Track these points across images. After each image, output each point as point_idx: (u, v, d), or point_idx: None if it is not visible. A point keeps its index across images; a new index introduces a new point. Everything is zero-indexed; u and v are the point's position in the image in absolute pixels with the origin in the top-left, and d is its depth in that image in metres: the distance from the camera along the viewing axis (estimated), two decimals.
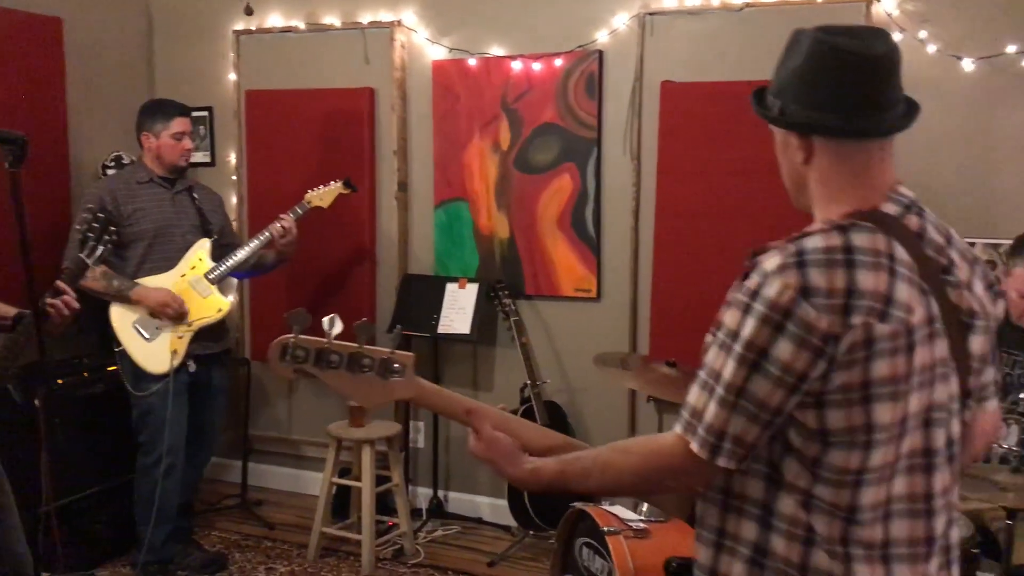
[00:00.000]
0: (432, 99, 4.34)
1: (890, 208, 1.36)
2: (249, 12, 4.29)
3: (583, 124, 4.09)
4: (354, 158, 4.49)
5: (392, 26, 4.37)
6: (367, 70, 4.46)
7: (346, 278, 4.55)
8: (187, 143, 3.79)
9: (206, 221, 3.84)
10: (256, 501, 4.62)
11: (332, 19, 4.51)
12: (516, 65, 4.16)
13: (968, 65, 3.48)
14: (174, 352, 3.61)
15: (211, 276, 3.74)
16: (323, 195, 4.01)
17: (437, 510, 4.41)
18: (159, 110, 3.79)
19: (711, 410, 1.31)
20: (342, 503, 4.32)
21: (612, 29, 4.02)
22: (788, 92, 1.37)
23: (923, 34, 3.54)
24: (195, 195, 3.87)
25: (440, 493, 4.45)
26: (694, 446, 1.32)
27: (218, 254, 3.81)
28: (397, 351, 1.61)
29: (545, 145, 4.17)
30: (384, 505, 4.23)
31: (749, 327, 1.28)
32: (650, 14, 3.94)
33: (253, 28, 4.65)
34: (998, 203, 3.52)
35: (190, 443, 3.78)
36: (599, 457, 1.45)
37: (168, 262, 3.71)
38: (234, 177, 4.76)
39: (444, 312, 4.23)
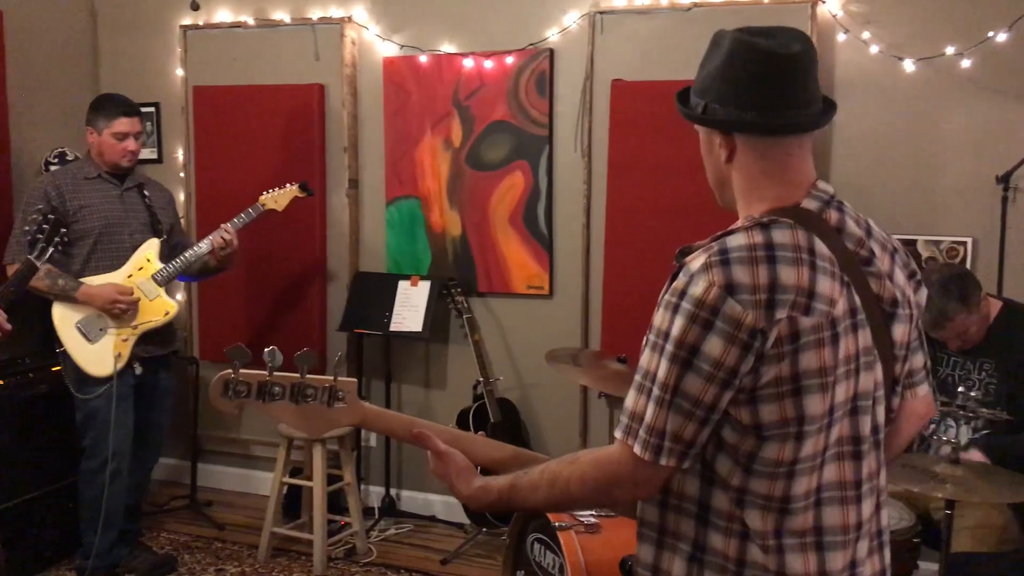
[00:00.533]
0: (383, 96, 4.32)
1: (810, 204, 1.39)
2: (195, 7, 4.23)
3: (535, 122, 4.10)
4: (304, 155, 4.45)
5: (342, 22, 4.34)
6: (317, 66, 4.42)
7: (297, 276, 4.51)
8: (130, 144, 3.63)
9: (156, 220, 3.72)
10: (206, 502, 4.56)
11: (281, 15, 4.46)
12: (468, 63, 4.16)
13: (909, 65, 3.56)
14: (118, 355, 3.52)
15: (158, 278, 3.62)
16: (277, 198, 3.90)
17: (390, 508, 4.40)
18: (103, 107, 3.66)
19: (649, 411, 1.32)
20: (293, 503, 4.28)
21: (563, 28, 4.03)
22: (710, 91, 1.38)
23: (866, 35, 3.61)
24: (146, 192, 3.75)
25: (393, 491, 4.44)
26: (637, 448, 1.33)
27: (167, 254, 3.71)
28: (339, 378, 1.63)
29: (497, 142, 4.17)
30: (336, 504, 4.20)
31: (678, 326, 1.30)
32: (600, 13, 3.97)
33: (201, 23, 4.59)
34: (939, 200, 3.60)
35: (137, 445, 3.70)
36: (546, 470, 1.45)
37: (115, 261, 3.61)
38: (182, 174, 4.69)
39: (396, 310, 4.22)
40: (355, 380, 1.64)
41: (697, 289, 1.29)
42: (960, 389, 2.65)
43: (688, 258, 1.35)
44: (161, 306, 3.63)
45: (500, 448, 1.66)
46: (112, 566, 3.65)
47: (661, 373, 1.31)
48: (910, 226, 3.59)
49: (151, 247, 3.66)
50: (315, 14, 4.40)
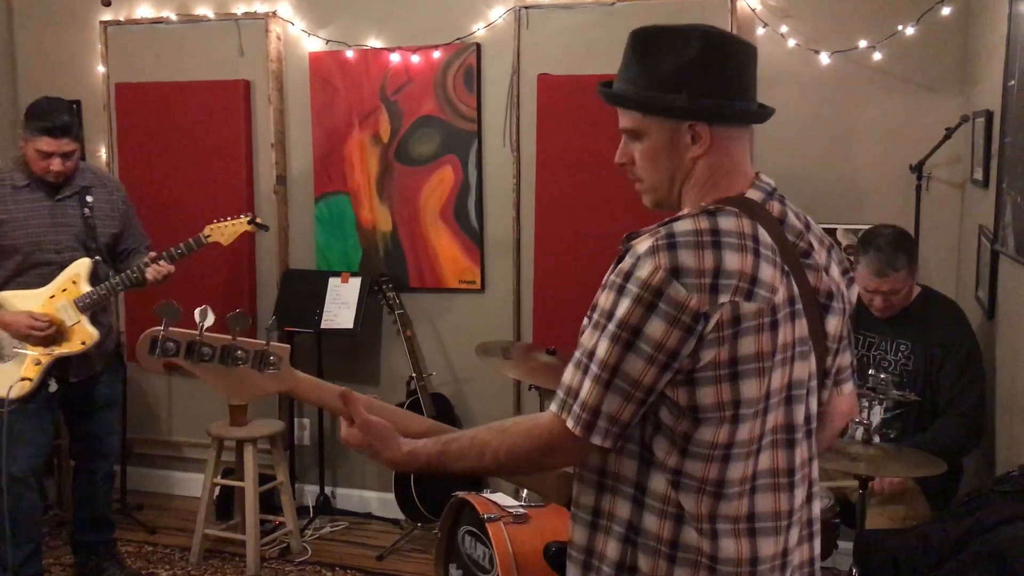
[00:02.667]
0: (310, 91, 4.29)
1: (754, 194, 1.43)
2: (106, 3, 4.13)
3: (463, 116, 4.11)
4: (230, 152, 4.39)
5: (267, 17, 4.29)
6: (242, 62, 4.37)
7: (225, 275, 4.45)
8: (53, 164, 3.31)
9: (91, 236, 3.42)
10: (136, 506, 4.48)
11: (205, 10, 4.40)
12: (394, 57, 4.15)
13: (825, 58, 3.65)
14: (25, 379, 3.30)
15: (80, 303, 3.36)
16: (224, 231, 3.53)
17: (325, 507, 4.38)
18: (31, 116, 3.34)
19: (586, 387, 1.33)
20: (226, 504, 4.24)
21: (489, 22, 4.05)
22: (688, 83, 1.37)
23: (784, 28, 3.69)
24: (88, 198, 3.41)
25: (327, 490, 4.42)
26: (569, 423, 1.35)
27: (111, 264, 3.50)
28: (272, 343, 1.56)
29: (426, 137, 4.17)
30: (271, 504, 4.16)
31: (623, 307, 1.31)
32: (525, 8, 3.99)
33: (122, 19, 4.50)
34: (856, 189, 3.70)
35: (83, 457, 3.60)
36: (476, 436, 1.45)
37: (43, 279, 3.37)
38: None
39: (327, 307, 4.19)
40: (287, 346, 1.57)
41: (643, 272, 1.30)
42: (871, 372, 2.73)
43: (635, 241, 1.36)
44: (79, 334, 3.38)
45: (420, 421, 1.63)
46: None
47: (601, 352, 1.32)
48: (829, 215, 3.68)
49: (80, 267, 3.39)
50: (239, 9, 4.35)
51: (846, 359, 1.54)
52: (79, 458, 3.68)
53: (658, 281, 1.29)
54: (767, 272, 1.33)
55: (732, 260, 1.31)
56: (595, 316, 1.36)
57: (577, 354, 1.37)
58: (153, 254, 3.46)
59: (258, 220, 3.65)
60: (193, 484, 4.48)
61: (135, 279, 3.42)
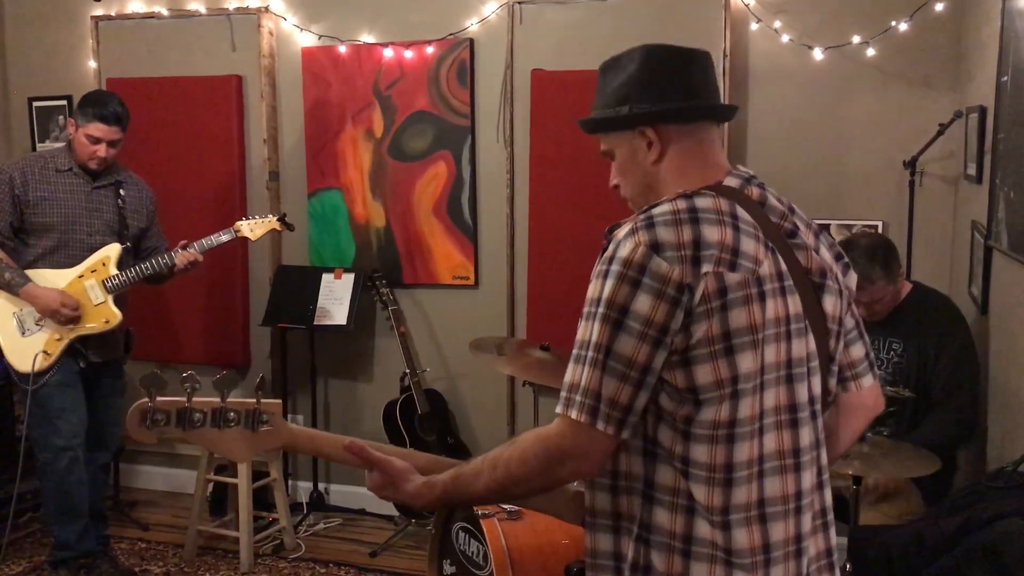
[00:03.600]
0: (302, 87, 4.28)
1: (731, 181, 1.46)
2: None
3: (456, 112, 4.10)
4: (223, 147, 4.38)
5: (259, 12, 4.27)
6: (234, 57, 4.35)
7: (218, 271, 4.43)
8: (100, 150, 3.48)
9: (123, 224, 3.59)
10: (130, 503, 4.48)
11: (196, 5, 4.38)
12: (387, 52, 4.13)
13: (819, 54, 3.64)
14: (44, 353, 3.42)
15: (108, 284, 3.49)
16: (254, 227, 3.71)
17: (318, 503, 4.37)
18: (85, 104, 3.51)
19: (584, 374, 1.34)
20: (220, 501, 4.23)
21: (483, 17, 4.03)
22: (631, 96, 1.47)
23: (778, 24, 3.69)
24: (121, 192, 3.60)
25: (321, 486, 4.41)
26: (573, 413, 1.34)
27: (135, 258, 3.61)
28: (263, 401, 1.58)
29: (419, 133, 4.16)
30: (264, 500, 4.16)
31: (608, 287, 1.33)
32: (519, 3, 3.98)
33: (113, 14, 4.48)
34: (849, 184, 3.70)
35: (89, 445, 3.61)
36: (487, 455, 1.44)
37: (72, 259, 3.49)
38: None
39: (320, 303, 4.18)
40: (279, 402, 1.60)
41: (624, 251, 1.33)
42: None
43: (616, 231, 1.39)
44: (103, 313, 3.50)
45: (417, 455, 1.61)
46: (84, 555, 3.56)
47: (594, 336, 1.33)
48: (823, 211, 3.68)
49: (111, 251, 3.54)
50: (231, 4, 4.33)
51: (859, 350, 1.54)
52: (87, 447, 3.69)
53: (640, 257, 1.31)
54: (748, 244, 1.35)
55: (711, 232, 1.33)
56: (585, 308, 1.37)
57: (574, 350, 1.37)
58: (184, 242, 3.59)
59: (286, 218, 3.83)
60: (186, 481, 4.47)
61: (162, 266, 3.56)
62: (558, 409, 1.37)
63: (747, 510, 1.36)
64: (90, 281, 3.49)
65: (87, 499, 3.59)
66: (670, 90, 1.47)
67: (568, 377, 1.37)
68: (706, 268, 1.31)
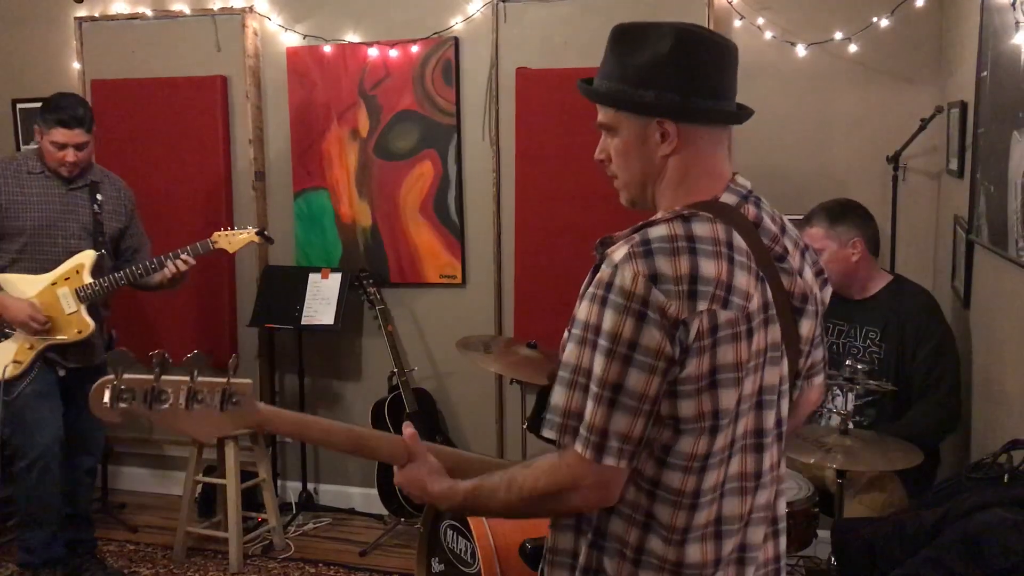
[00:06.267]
0: (287, 87, 4.27)
1: (729, 198, 1.41)
2: (79, 0, 4.09)
3: (442, 111, 4.10)
4: (208, 148, 4.37)
5: (243, 12, 4.27)
6: (219, 57, 4.34)
7: (204, 272, 4.40)
8: (67, 155, 3.41)
9: (99, 229, 3.51)
10: (118, 505, 4.47)
11: (181, 6, 4.37)
12: (372, 52, 4.13)
13: (801, 50, 3.66)
14: (15, 362, 3.37)
15: (81, 293, 3.43)
16: (231, 240, 3.65)
17: (308, 503, 4.37)
18: (46, 110, 3.43)
19: (589, 409, 1.29)
20: (209, 502, 4.22)
21: (467, 16, 4.04)
22: (658, 80, 1.36)
23: (761, 20, 3.71)
24: (98, 195, 3.53)
25: (310, 486, 4.41)
26: (578, 447, 1.30)
27: (114, 260, 3.58)
28: (233, 380, 1.53)
29: (405, 132, 4.16)
30: (253, 501, 4.16)
31: (610, 320, 1.28)
32: (504, 1, 3.98)
33: (97, 15, 4.46)
34: (833, 179, 3.72)
35: (71, 450, 3.59)
36: (506, 473, 1.43)
37: (46, 264, 3.44)
38: None
39: (307, 303, 4.18)
40: (249, 381, 1.55)
41: (624, 281, 1.28)
42: (847, 362, 2.75)
43: (609, 249, 1.34)
44: (75, 323, 3.44)
45: (443, 452, 1.62)
46: (48, 563, 3.54)
47: (598, 370, 1.28)
48: (806, 205, 3.65)
49: (85, 258, 3.47)
50: (216, 4, 4.32)
51: (819, 355, 1.54)
52: (64, 452, 3.67)
53: (641, 289, 1.27)
54: (741, 279, 1.32)
55: (708, 267, 1.30)
56: (577, 331, 1.32)
57: (565, 373, 1.32)
58: (171, 253, 3.53)
59: (266, 232, 3.79)
60: (175, 482, 4.46)
61: (136, 276, 3.51)
62: (550, 434, 1.33)
63: (704, 528, 1.36)
64: (63, 289, 3.43)
65: (57, 509, 3.55)
66: (702, 86, 1.37)
67: (560, 402, 1.32)
68: (701, 306, 1.28)
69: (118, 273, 3.49)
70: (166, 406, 1.51)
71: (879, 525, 2.11)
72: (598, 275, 1.32)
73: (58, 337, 3.43)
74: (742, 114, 1.45)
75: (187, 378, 1.52)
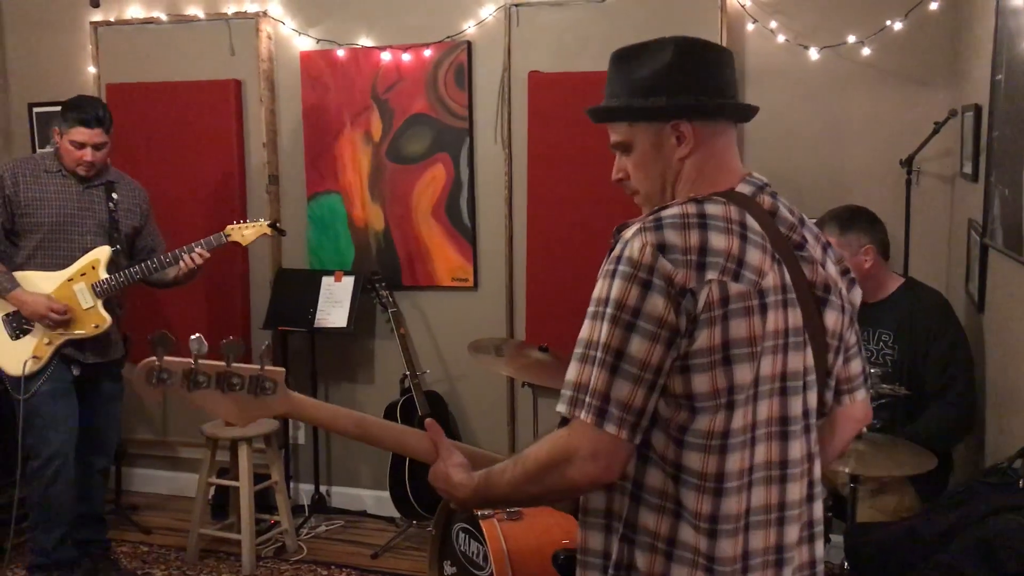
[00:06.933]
0: (301, 90, 4.29)
1: (744, 188, 1.45)
2: (95, 4, 4.12)
3: (454, 114, 4.12)
4: (222, 152, 4.40)
5: (257, 17, 4.29)
6: (233, 62, 4.37)
7: (219, 275, 4.44)
8: (86, 155, 3.48)
9: (114, 226, 3.57)
10: (131, 506, 4.49)
11: (195, 10, 4.40)
12: (385, 56, 4.15)
13: (814, 54, 3.66)
14: (35, 358, 3.43)
15: (97, 288, 3.48)
16: (245, 232, 3.69)
17: (320, 505, 4.38)
18: (66, 111, 3.52)
19: (593, 375, 1.31)
20: (222, 504, 4.24)
21: (480, 20, 4.05)
22: (665, 87, 1.42)
23: (773, 24, 3.70)
24: (113, 194, 3.58)
25: (323, 488, 4.42)
26: (580, 414, 1.32)
27: (129, 259, 3.63)
28: (267, 367, 1.60)
29: (417, 135, 4.17)
30: (265, 503, 4.17)
31: (617, 288, 1.31)
32: (516, 5, 3.99)
33: (112, 20, 4.50)
34: (846, 183, 3.71)
35: (84, 450, 3.62)
36: (515, 455, 1.46)
37: (62, 260, 3.50)
38: None
39: (320, 306, 4.20)
40: (283, 370, 1.61)
41: (632, 251, 1.32)
42: (869, 370, 2.73)
43: (624, 231, 1.38)
44: (92, 318, 3.49)
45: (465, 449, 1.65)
46: (58, 564, 3.56)
47: (603, 337, 1.31)
48: (820, 209, 3.65)
49: (100, 254, 3.52)
50: (230, 8, 4.35)
51: (857, 366, 1.55)
52: (78, 451, 3.70)
53: (648, 258, 1.30)
54: (754, 256, 1.34)
55: (718, 240, 1.32)
56: (592, 307, 1.35)
57: (579, 349, 1.35)
58: (185, 248, 3.57)
59: (278, 224, 3.80)
60: (188, 484, 4.48)
61: (151, 269, 3.56)
62: (561, 408, 1.35)
63: (736, 521, 1.36)
64: (79, 285, 3.48)
65: (69, 510, 3.57)
66: (707, 85, 1.44)
67: (572, 376, 1.35)
68: (710, 275, 1.30)
69: (133, 268, 3.55)
70: (203, 389, 1.57)
71: (892, 530, 2.10)
72: (611, 253, 1.36)
73: (76, 332, 3.48)
74: (749, 109, 1.53)
75: (223, 363, 1.57)
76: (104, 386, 3.69)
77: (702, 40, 1.48)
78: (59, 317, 3.42)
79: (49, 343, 3.47)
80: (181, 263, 3.57)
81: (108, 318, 3.52)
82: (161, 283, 3.70)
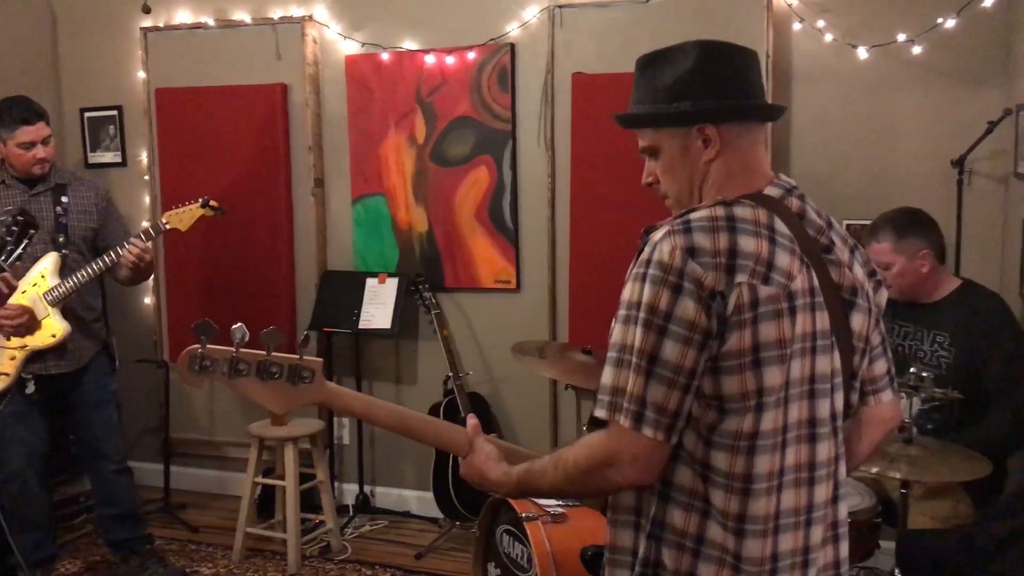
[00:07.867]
0: (346, 94, 4.33)
1: (773, 191, 1.46)
2: (147, 10, 4.19)
3: (497, 116, 4.12)
4: (268, 155, 4.45)
5: (303, 21, 4.34)
6: (279, 66, 4.42)
7: (264, 276, 4.50)
8: (38, 152, 3.43)
9: (62, 231, 3.49)
10: (179, 504, 4.56)
11: (242, 15, 4.46)
12: (429, 59, 4.17)
13: (863, 53, 3.60)
14: (3, 375, 3.37)
15: (48, 297, 3.40)
16: (181, 217, 3.54)
17: (364, 505, 4.42)
18: (4, 115, 3.44)
19: (629, 380, 1.33)
20: (267, 503, 4.29)
21: (523, 22, 4.05)
22: (690, 91, 1.44)
23: (821, 23, 3.65)
24: (64, 198, 3.51)
25: (367, 488, 4.45)
26: (619, 419, 1.34)
27: (88, 262, 3.51)
28: (306, 357, 1.64)
29: (461, 138, 4.19)
30: (310, 503, 4.21)
31: (648, 293, 1.33)
32: (560, 7, 3.99)
33: (161, 25, 4.57)
34: (896, 184, 3.65)
35: (87, 458, 3.61)
36: (556, 453, 1.48)
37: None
38: (146, 177, 4.68)
39: (365, 307, 4.23)
40: (321, 360, 1.65)
41: (662, 255, 1.33)
42: (912, 369, 2.69)
43: (653, 234, 1.39)
44: (48, 328, 3.41)
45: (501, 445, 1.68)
46: (41, 562, 3.58)
47: (637, 342, 1.32)
48: (869, 211, 3.61)
49: (46, 262, 3.44)
50: (276, 13, 4.40)
51: (882, 366, 1.55)
52: (87, 459, 3.75)
53: (678, 261, 1.31)
54: (783, 259, 1.35)
55: (747, 243, 1.33)
56: (623, 311, 1.36)
57: (613, 353, 1.36)
58: (124, 242, 3.47)
59: (212, 203, 3.60)
60: (235, 483, 4.54)
61: (97, 270, 3.45)
62: (599, 413, 1.37)
63: (765, 522, 1.37)
64: (33, 296, 3.40)
65: (43, 513, 3.58)
66: (731, 88, 1.45)
67: (608, 380, 1.37)
68: (740, 278, 1.31)
69: (79, 272, 3.43)
70: (244, 377, 1.62)
71: (946, 538, 2.06)
72: (640, 256, 1.38)
73: (36, 342, 3.41)
74: (774, 110, 1.54)
75: (263, 352, 1.62)
76: (86, 393, 3.62)
77: (725, 43, 1.49)
78: (14, 320, 3.33)
79: (13, 359, 3.40)
80: (122, 259, 3.43)
81: (64, 326, 3.42)
82: (128, 280, 3.61)
